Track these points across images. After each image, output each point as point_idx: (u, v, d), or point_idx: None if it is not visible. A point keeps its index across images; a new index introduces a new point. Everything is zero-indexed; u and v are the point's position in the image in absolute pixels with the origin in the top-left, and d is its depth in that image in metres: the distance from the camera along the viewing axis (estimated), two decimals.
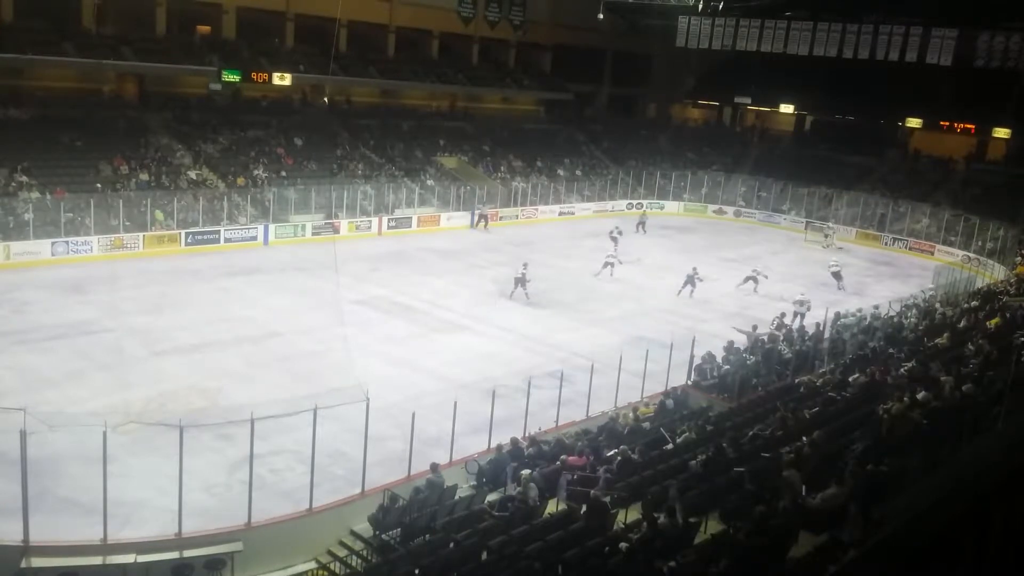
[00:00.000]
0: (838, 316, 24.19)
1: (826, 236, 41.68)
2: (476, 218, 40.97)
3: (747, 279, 31.76)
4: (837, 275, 32.89)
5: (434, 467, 14.62)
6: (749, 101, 57.49)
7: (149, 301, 25.31)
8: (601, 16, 48.45)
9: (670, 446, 15.70)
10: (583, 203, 46.28)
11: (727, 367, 20.00)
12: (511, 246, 37.04)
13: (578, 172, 48.65)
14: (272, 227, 34.51)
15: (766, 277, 31.86)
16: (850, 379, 18.07)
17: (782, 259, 38.41)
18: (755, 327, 23.22)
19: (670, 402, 18.75)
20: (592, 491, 13.26)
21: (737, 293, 31.12)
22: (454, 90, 49.18)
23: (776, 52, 48.44)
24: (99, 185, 32.13)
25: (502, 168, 46.09)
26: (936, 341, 20.90)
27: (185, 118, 38.29)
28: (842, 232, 43.34)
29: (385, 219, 37.88)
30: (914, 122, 50.73)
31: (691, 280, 30.84)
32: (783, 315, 25.23)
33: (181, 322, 23.53)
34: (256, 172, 36.78)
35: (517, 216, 43.06)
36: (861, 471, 11.92)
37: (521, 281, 28.96)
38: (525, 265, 29.62)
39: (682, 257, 37.41)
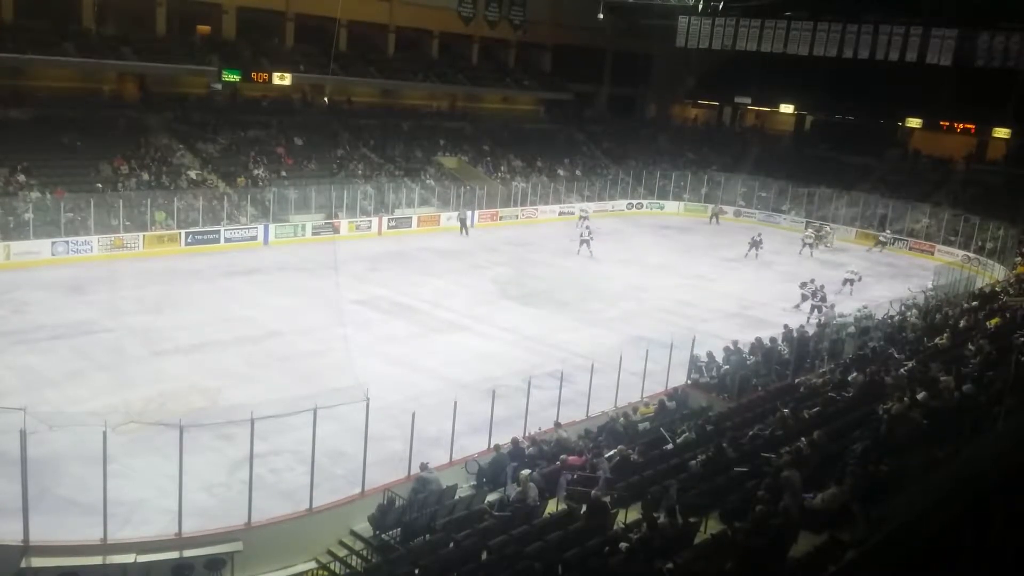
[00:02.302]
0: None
1: (821, 235, 41.88)
2: (462, 224, 38.90)
3: (805, 245, 37.78)
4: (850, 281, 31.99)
5: (423, 466, 14.62)
6: (749, 101, 57.49)
7: (149, 301, 25.32)
8: (601, 16, 48.44)
9: (670, 446, 15.70)
10: (583, 203, 46.23)
11: (727, 367, 19.99)
12: (511, 246, 37.05)
13: (578, 172, 48.65)
14: (272, 227, 34.51)
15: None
16: (849, 379, 18.06)
17: (782, 259, 38.43)
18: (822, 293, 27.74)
19: (671, 403, 18.76)
20: (592, 491, 13.28)
21: (737, 293, 31.15)
22: (454, 90, 49.19)
23: (776, 52, 48.36)
24: (99, 185, 32.13)
25: (502, 168, 46.09)
26: (936, 341, 20.89)
27: (185, 118, 38.30)
28: (842, 232, 43.37)
29: (385, 219, 37.87)
30: (914, 122, 50.71)
31: (756, 244, 36.15)
32: (812, 280, 28.51)
33: (181, 322, 23.53)
34: (256, 172, 36.79)
35: (517, 216, 43.06)
36: (861, 471, 11.92)
37: (587, 241, 34.78)
38: (588, 225, 35.61)
39: (682, 257, 37.51)
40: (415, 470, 14.70)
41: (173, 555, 12.63)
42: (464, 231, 38.62)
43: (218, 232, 32.93)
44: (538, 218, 43.84)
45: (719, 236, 42.78)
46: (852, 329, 23.00)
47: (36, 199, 30.07)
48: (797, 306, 28.12)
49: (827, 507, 11.42)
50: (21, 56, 33.08)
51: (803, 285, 28.63)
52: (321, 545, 13.84)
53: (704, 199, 48.79)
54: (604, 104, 59.40)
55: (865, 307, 25.62)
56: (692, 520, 11.81)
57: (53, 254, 28.86)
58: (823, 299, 27.33)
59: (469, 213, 39.86)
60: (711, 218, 46.09)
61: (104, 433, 11.99)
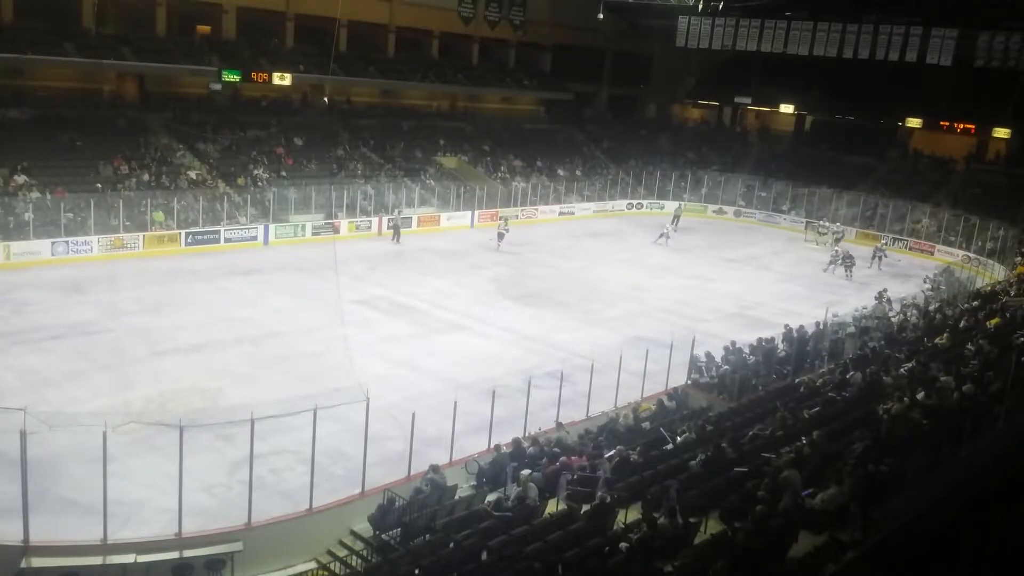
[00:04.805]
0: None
1: (820, 234, 41.96)
2: (392, 229, 36.39)
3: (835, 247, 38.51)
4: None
5: (435, 468, 14.62)
6: (749, 101, 57.36)
7: (149, 301, 25.32)
8: (601, 16, 48.42)
9: (670, 446, 15.70)
10: (583, 203, 46.25)
11: (726, 367, 19.99)
12: (511, 246, 37.02)
13: (578, 172, 48.62)
14: (272, 227, 34.50)
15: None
16: (848, 378, 18.05)
17: (782, 259, 38.46)
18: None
19: (671, 403, 18.76)
20: (593, 491, 13.27)
21: (736, 293, 31.15)
22: (454, 90, 49.17)
23: (776, 52, 48.40)
24: (99, 185, 32.11)
25: (502, 168, 46.08)
26: (936, 341, 20.89)
27: (185, 118, 38.27)
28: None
29: (385, 219, 37.84)
30: (914, 122, 50.63)
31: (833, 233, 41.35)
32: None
33: (181, 322, 23.53)
34: (256, 172, 36.77)
35: (517, 216, 42.99)
36: (861, 471, 11.92)
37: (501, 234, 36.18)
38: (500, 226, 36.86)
39: (682, 257, 37.50)
40: (415, 470, 14.72)
41: (173, 555, 12.63)
42: (396, 238, 36.18)
43: (218, 232, 32.92)
44: (538, 218, 43.84)
45: (719, 236, 42.77)
46: (852, 329, 23.00)
47: (36, 199, 30.05)
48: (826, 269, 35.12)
49: (827, 507, 11.42)
50: (21, 56, 33.04)
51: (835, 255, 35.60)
52: (321, 545, 13.84)
53: (704, 199, 48.79)
54: (604, 104, 59.34)
55: (863, 307, 25.62)
56: (692, 520, 11.81)
57: (53, 254, 28.85)
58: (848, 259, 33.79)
59: (403, 219, 37.41)
60: (673, 219, 42.84)
61: (104, 433, 12.00)
